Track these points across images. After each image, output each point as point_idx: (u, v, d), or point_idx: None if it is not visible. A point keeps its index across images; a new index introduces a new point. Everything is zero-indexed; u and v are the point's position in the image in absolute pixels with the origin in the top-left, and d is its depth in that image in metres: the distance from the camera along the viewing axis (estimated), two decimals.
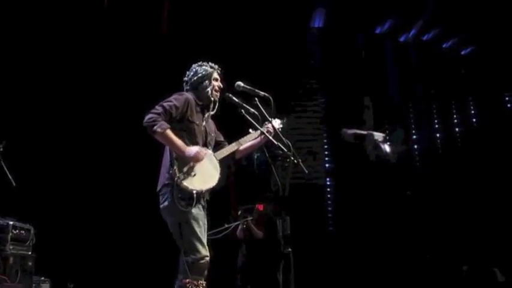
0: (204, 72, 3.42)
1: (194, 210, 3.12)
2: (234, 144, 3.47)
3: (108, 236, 6.12)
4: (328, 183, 8.36)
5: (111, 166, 6.39)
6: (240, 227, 5.67)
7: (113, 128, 6.44)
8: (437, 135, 9.03)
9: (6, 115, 5.57)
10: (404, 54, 8.99)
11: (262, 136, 3.41)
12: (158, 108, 3.17)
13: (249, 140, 3.49)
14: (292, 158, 3.15)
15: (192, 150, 3.16)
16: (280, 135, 3.31)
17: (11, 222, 4.38)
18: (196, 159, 3.16)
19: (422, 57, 8.97)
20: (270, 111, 3.30)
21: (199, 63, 3.48)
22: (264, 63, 7.50)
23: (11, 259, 4.25)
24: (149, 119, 3.11)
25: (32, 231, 4.61)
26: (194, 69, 3.46)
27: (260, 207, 5.89)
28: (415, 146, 8.89)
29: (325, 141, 8.42)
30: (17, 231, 4.43)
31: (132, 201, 5.94)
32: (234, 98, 3.38)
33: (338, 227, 7.98)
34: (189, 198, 3.10)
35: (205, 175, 3.21)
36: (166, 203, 3.15)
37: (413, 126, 9.02)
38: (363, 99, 8.43)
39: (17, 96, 6.05)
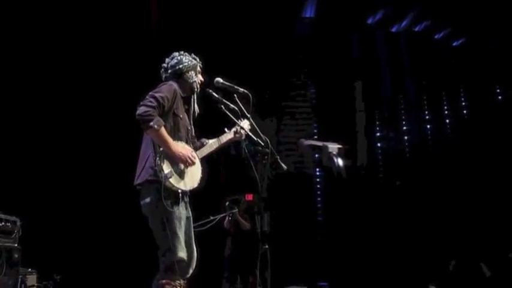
0: (189, 63, 3.28)
1: (178, 210, 3.02)
2: (213, 142, 3.39)
3: (95, 228, 6.13)
4: (317, 173, 8.40)
5: (97, 158, 6.37)
6: (226, 218, 5.64)
7: (97, 120, 6.40)
8: (428, 126, 9.05)
9: None
10: (396, 44, 8.96)
11: (241, 132, 3.38)
12: (152, 101, 2.97)
13: (226, 138, 3.41)
14: (270, 154, 3.14)
15: (184, 154, 3.06)
16: (259, 131, 3.28)
17: None
18: (189, 164, 3.08)
19: (414, 48, 8.93)
20: (249, 107, 3.28)
21: (181, 52, 3.34)
22: (254, 57, 7.46)
23: None
24: (145, 112, 2.92)
25: (18, 223, 4.56)
26: (178, 58, 3.29)
27: (249, 197, 5.83)
28: (405, 137, 8.92)
29: (315, 131, 8.42)
30: (3, 223, 4.39)
31: (118, 193, 5.93)
32: (214, 93, 3.32)
33: (327, 217, 8.03)
34: (174, 197, 3.02)
35: (190, 174, 3.12)
36: (148, 200, 3.04)
37: (403, 117, 9.02)
38: (353, 89, 8.42)
39: None
